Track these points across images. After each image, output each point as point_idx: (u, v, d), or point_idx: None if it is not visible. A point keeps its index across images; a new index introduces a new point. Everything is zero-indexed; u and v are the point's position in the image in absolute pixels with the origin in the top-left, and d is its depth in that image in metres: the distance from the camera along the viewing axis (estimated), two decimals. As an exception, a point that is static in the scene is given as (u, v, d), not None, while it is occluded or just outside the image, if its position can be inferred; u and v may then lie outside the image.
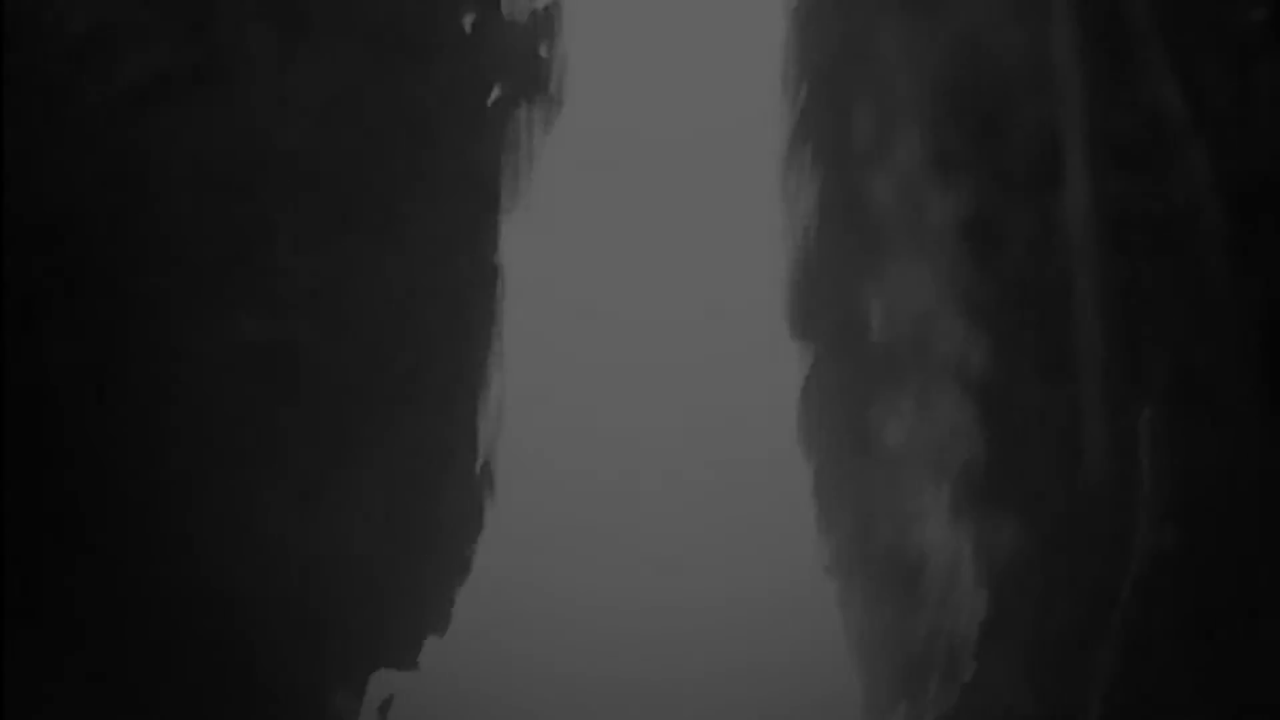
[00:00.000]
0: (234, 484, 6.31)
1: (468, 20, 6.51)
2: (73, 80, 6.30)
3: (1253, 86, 6.46)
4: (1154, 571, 5.71)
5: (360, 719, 5.61)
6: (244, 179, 6.42)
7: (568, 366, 5.81)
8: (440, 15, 6.42)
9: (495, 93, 6.43)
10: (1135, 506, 5.80)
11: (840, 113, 6.36)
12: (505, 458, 5.97)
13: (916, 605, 5.95)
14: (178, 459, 6.30)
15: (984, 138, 6.33)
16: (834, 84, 6.36)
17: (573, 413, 5.78)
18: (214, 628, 6.02)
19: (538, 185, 6.15)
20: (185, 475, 6.28)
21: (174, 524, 6.21)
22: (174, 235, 6.36)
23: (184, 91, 6.47)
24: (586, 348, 5.80)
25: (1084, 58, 6.29)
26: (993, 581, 5.92)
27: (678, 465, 5.59)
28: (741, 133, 5.94)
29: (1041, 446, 6.12)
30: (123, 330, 6.29)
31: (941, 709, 5.43)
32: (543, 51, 6.14)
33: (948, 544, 5.95)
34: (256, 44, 6.56)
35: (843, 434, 6.05)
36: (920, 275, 6.16)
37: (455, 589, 5.91)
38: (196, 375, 6.37)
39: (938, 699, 5.54)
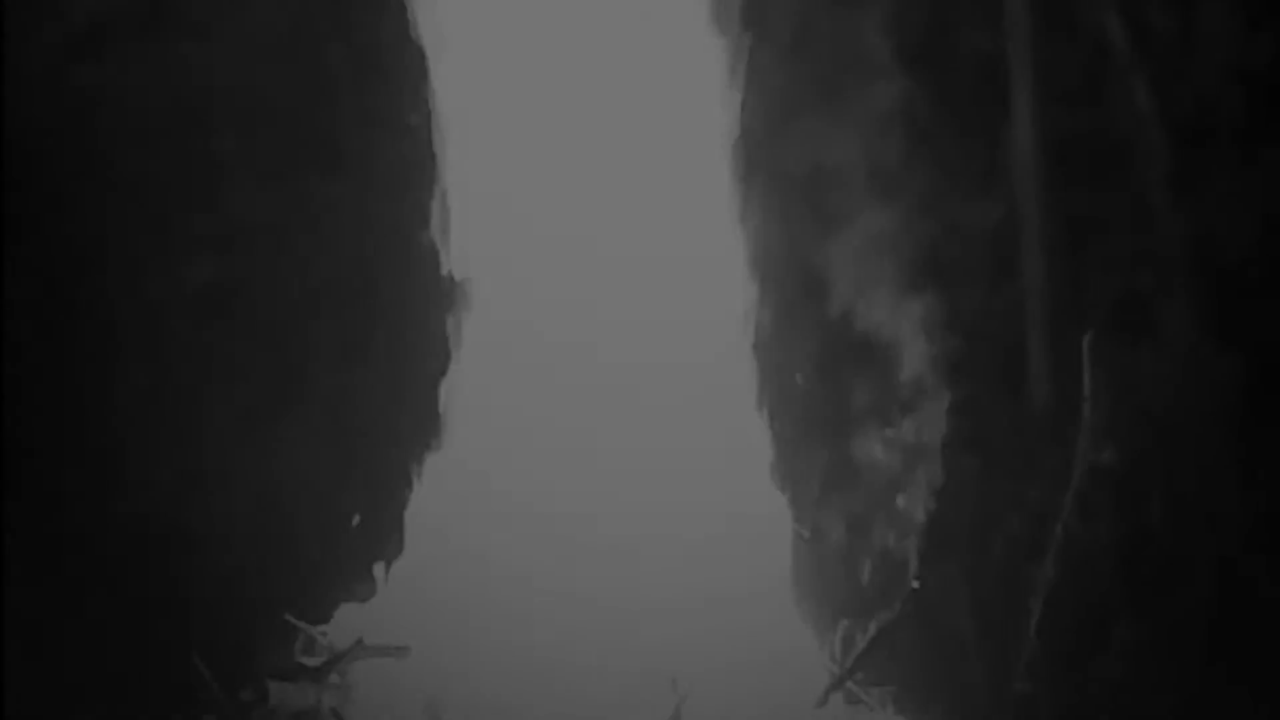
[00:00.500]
0: (186, 416, 6.33)
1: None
2: (20, 27, 6.29)
3: (1194, 23, 6.53)
4: (1093, 488, 5.81)
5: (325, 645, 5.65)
6: (192, 120, 6.44)
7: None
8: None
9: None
10: (1076, 427, 5.87)
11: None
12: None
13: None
14: (130, 394, 6.33)
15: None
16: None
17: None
18: (168, 560, 6.05)
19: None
20: (138, 409, 6.30)
21: (127, 457, 6.23)
22: (122, 178, 6.38)
23: (132, 33, 6.48)
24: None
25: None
26: (933, 502, 5.99)
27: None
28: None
29: (987, 373, 6.19)
30: (71, 273, 6.31)
31: (882, 622, 5.51)
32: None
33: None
34: (207, -14, 6.57)
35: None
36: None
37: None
38: (147, 314, 6.40)
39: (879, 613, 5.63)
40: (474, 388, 5.83)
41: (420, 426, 5.92)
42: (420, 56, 6.26)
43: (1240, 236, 6.33)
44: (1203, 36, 6.50)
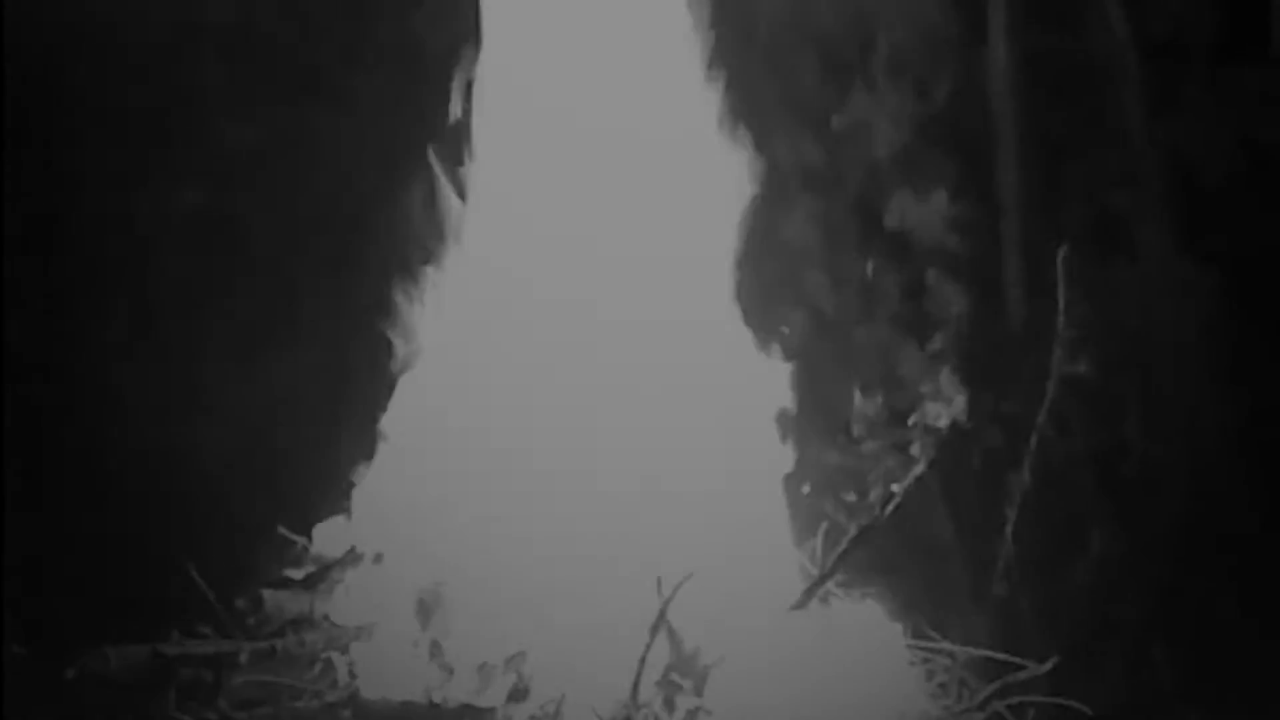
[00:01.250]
0: (177, 342, 6.42)
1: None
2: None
3: (1168, -54, 6.62)
4: (1067, 399, 5.92)
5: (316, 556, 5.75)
6: (176, 50, 6.50)
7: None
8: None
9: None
10: (1052, 342, 5.98)
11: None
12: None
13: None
14: (120, 320, 6.42)
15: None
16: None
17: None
18: (160, 480, 6.14)
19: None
20: (128, 335, 6.40)
21: (118, 382, 6.32)
22: (107, 107, 6.44)
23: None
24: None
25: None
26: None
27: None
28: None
29: (964, 288, 6.29)
30: (59, 201, 6.38)
31: (862, 525, 5.61)
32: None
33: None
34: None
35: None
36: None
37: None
38: (135, 243, 6.48)
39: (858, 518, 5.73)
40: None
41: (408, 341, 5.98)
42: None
43: (1216, 155, 6.42)
44: (1176, -41, 6.57)
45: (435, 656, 5.22)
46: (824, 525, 5.66)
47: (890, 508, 5.52)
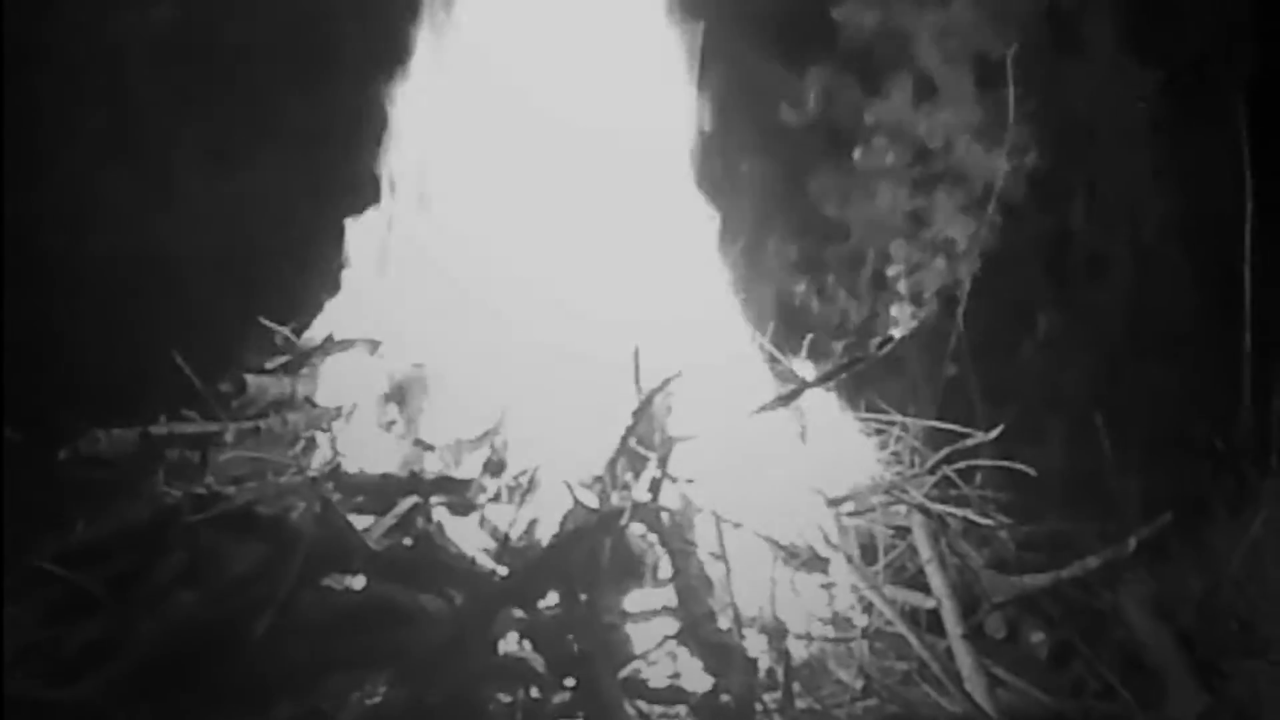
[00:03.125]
0: (152, 147, 6.56)
1: None
2: None
3: None
4: (1016, 190, 6.14)
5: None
6: None
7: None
8: None
9: None
10: (1002, 137, 6.19)
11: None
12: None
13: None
14: (96, 125, 6.54)
15: None
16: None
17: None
18: (143, 279, 6.31)
19: None
20: (105, 137, 6.52)
21: (97, 187, 6.47)
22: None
23: None
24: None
25: None
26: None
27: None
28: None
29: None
30: (31, 19, 6.45)
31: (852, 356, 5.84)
32: None
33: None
34: None
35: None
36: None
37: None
38: (109, 56, 6.58)
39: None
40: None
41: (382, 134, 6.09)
42: None
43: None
44: None
45: (412, 433, 5.37)
46: (809, 337, 5.83)
47: (884, 349, 5.70)
